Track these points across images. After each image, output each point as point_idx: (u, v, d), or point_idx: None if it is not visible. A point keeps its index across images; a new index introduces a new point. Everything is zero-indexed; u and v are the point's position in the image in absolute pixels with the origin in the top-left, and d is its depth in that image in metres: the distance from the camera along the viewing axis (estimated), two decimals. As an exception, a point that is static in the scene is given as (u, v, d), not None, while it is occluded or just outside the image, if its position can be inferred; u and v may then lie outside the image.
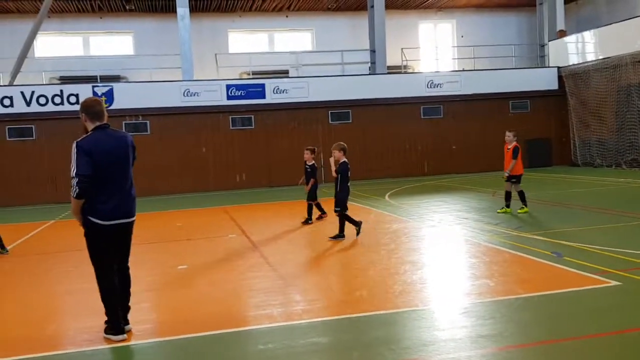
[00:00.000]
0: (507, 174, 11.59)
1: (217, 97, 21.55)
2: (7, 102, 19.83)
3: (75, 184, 4.76)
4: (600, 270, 6.65)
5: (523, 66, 26.44)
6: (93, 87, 20.60)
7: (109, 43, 24.19)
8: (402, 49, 25.13)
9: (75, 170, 4.74)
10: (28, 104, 20.00)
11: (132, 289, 5.39)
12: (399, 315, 5.50)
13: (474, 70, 25.15)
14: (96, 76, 21.86)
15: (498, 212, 11.74)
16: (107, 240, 4.99)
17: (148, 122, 21.30)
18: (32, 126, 20.31)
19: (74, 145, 4.82)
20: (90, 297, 5.93)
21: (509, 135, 11.77)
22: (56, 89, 20.39)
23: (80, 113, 5.05)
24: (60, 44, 23.72)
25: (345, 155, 9.59)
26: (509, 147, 11.68)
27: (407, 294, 6.23)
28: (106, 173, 4.88)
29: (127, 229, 5.15)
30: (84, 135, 4.96)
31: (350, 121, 22.96)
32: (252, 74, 24.07)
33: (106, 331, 5.11)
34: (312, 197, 11.88)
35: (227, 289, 6.98)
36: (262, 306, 5.97)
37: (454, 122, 23.46)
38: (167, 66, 22.59)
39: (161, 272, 8.15)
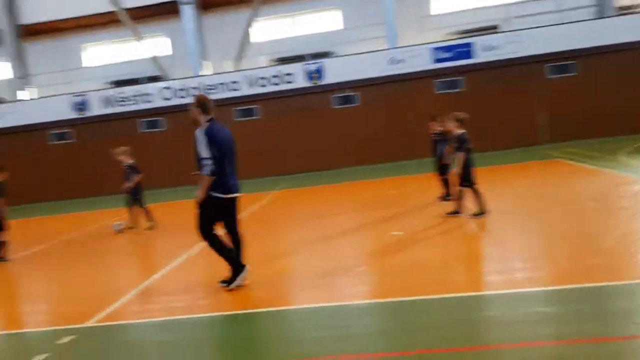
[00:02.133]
0: None
1: (423, 62, 21.09)
2: (234, 86, 22.02)
3: (210, 164, 5.62)
4: None
5: None
6: (304, 64, 21.76)
7: (318, 20, 25.21)
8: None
9: (208, 154, 5.61)
10: (251, 86, 21.96)
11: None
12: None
13: None
14: (305, 55, 22.96)
15: None
16: (220, 212, 5.89)
17: (358, 94, 21.81)
18: (256, 106, 22.31)
19: (202, 133, 5.67)
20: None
21: None
22: (274, 70, 22.00)
23: (193, 107, 5.85)
24: (274, 28, 25.42)
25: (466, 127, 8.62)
26: None
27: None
28: (226, 156, 5.80)
29: (236, 202, 6.01)
30: (207, 125, 5.75)
31: (574, 73, 20.61)
32: (459, 33, 23.00)
33: (231, 281, 5.95)
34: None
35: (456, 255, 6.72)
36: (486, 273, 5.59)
37: None
38: (373, 37, 22.74)
39: (376, 238, 8.22)
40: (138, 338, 5.08)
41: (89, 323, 5.42)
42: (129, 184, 11.01)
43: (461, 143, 8.58)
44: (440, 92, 21.37)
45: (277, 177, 20.87)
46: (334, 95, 21.92)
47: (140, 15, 24.15)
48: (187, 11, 22.81)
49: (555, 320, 4.25)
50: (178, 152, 22.45)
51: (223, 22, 24.46)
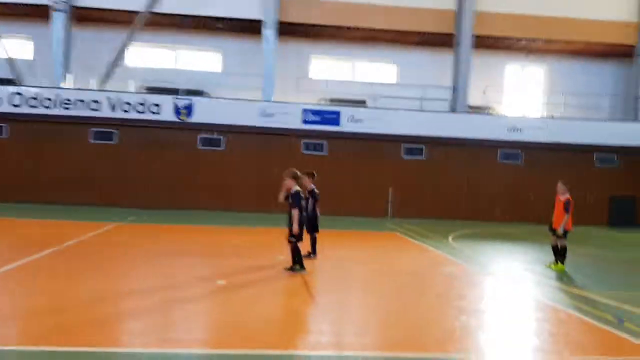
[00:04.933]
0: (561, 231, 10.35)
1: (292, 120, 21.73)
2: (94, 105, 20.90)
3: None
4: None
5: (616, 118, 24.88)
6: (174, 98, 21.38)
7: (197, 59, 25.04)
8: (485, 88, 24.44)
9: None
10: (113, 109, 21.00)
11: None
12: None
13: (562, 118, 23.89)
14: (179, 89, 22.63)
15: (546, 267, 10.78)
16: None
17: (222, 138, 21.78)
18: (116, 131, 21.32)
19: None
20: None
21: (561, 187, 10.63)
22: (140, 98, 21.31)
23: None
24: (152, 55, 24.81)
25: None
26: (561, 198, 10.57)
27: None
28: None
29: None
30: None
31: (423, 157, 22.52)
32: (330, 100, 24.14)
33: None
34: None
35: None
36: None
37: (533, 170, 22.37)
38: (250, 86, 22.99)
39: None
40: None
41: None
42: None
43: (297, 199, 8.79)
44: (306, 152, 22.05)
45: (128, 209, 19.80)
46: (200, 136, 21.68)
47: (5, 11, 22.34)
48: (59, 18, 21.54)
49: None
50: (20, 164, 20.75)
51: (95, 38, 23.30)
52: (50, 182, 20.44)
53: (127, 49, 22.67)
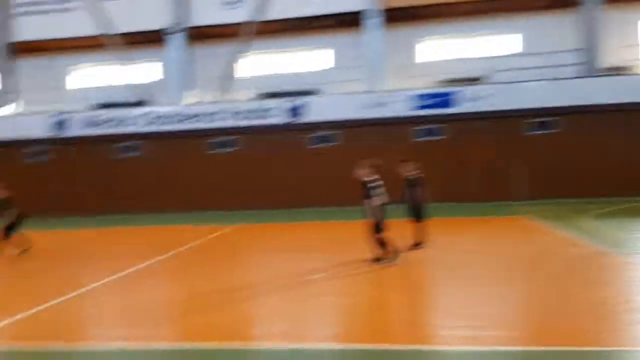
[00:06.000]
0: None
1: (402, 108, 20.98)
2: (214, 117, 21.94)
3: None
4: None
5: None
6: (286, 101, 21.72)
7: (308, 60, 25.22)
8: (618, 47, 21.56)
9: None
10: (231, 118, 21.87)
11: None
12: None
13: None
14: (292, 91, 23.00)
15: None
16: None
17: (337, 134, 21.65)
18: (233, 139, 22.20)
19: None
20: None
21: None
22: (255, 105, 21.97)
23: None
24: (264, 62, 25.45)
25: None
26: None
27: None
28: None
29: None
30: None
31: (555, 130, 20.39)
32: (441, 82, 22.91)
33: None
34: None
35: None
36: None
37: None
38: (360, 79, 22.65)
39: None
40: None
41: None
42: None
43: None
44: (419, 139, 21.17)
45: (246, 211, 20.57)
46: (312, 135, 21.77)
47: (133, 40, 24.36)
48: (175, 40, 22.98)
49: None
50: (153, 177, 22.41)
51: (212, 53, 24.54)
52: (173, 191, 21.99)
53: (240, 59, 23.54)
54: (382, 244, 8.60)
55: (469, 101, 20.64)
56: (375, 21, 22.00)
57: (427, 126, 21.11)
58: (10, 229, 11.69)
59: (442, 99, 20.79)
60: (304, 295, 7.19)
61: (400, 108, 20.99)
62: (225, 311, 6.44)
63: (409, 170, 10.17)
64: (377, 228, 8.52)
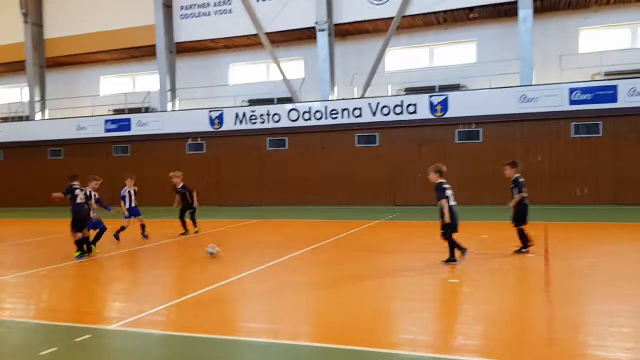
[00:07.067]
0: None
1: (557, 102, 19.71)
2: (357, 112, 22.35)
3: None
4: None
5: None
6: (430, 96, 21.44)
7: (452, 53, 24.66)
8: None
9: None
10: (374, 114, 22.12)
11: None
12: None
13: None
14: (435, 86, 22.67)
15: None
16: None
17: (481, 129, 20.98)
18: (376, 134, 22.42)
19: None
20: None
21: None
22: (397, 100, 21.97)
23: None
24: (408, 57, 25.35)
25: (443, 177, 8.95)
26: None
27: None
28: None
29: None
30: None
31: None
32: (605, 74, 21.12)
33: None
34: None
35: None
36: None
37: None
38: (508, 72, 21.69)
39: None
40: (140, 348, 5.34)
41: (112, 326, 5.86)
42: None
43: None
44: (576, 135, 19.80)
45: (391, 206, 20.72)
46: (457, 130, 21.27)
47: (281, 39, 25.57)
48: (322, 38, 23.67)
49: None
50: (297, 170, 23.40)
51: (355, 49, 24.98)
52: (314, 184, 22.80)
53: (385, 55, 23.65)
54: (453, 244, 8.83)
55: (633, 95, 18.82)
56: (528, 11, 20.82)
57: (585, 122, 19.65)
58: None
59: (605, 93, 19.17)
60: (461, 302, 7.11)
61: (555, 103, 19.72)
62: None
63: (514, 173, 10.01)
64: (451, 229, 8.79)
